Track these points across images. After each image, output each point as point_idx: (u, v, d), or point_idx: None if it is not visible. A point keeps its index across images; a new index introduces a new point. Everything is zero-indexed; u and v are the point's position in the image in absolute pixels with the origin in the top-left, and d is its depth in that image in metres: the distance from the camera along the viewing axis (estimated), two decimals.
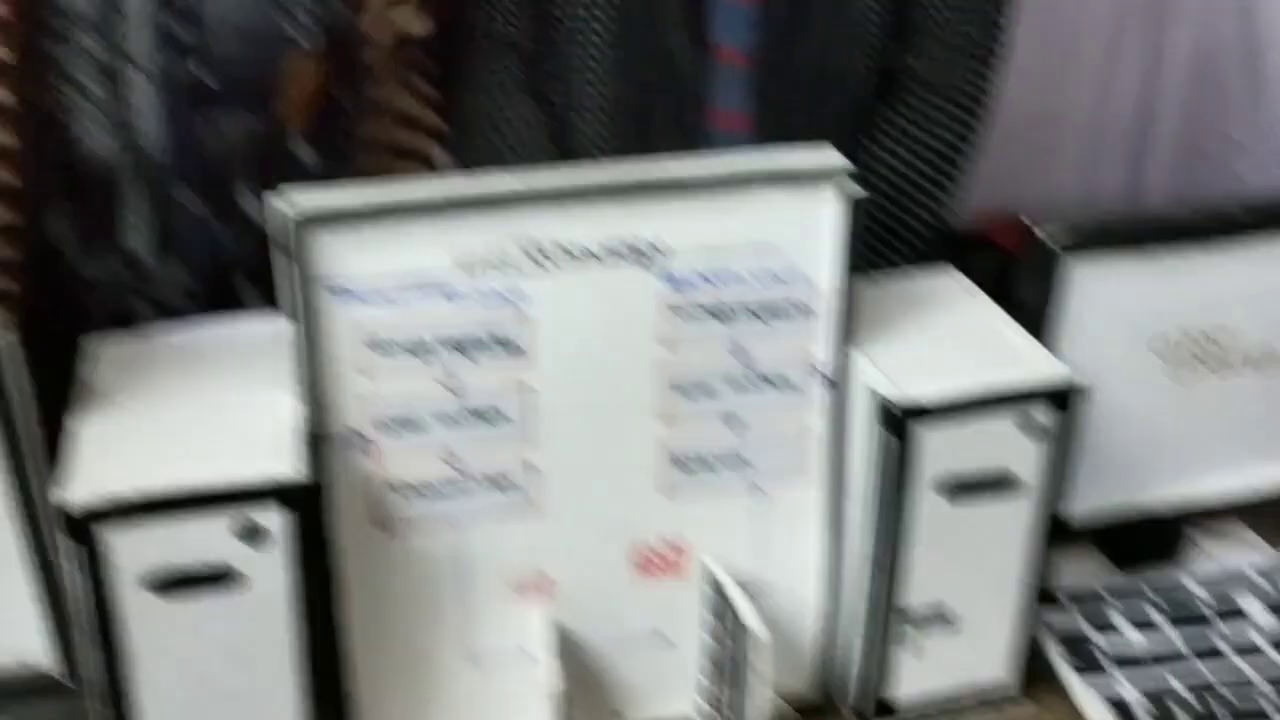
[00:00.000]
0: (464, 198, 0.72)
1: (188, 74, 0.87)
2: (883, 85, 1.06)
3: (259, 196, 0.93)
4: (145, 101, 0.87)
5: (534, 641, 0.82)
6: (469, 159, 1.04)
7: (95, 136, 0.87)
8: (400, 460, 0.77)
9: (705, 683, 0.86)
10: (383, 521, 0.78)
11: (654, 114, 1.03)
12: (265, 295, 0.91)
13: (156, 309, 0.91)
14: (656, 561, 0.84)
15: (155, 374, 0.76)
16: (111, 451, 0.70)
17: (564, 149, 1.05)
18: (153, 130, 0.88)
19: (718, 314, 0.78)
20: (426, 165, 1.02)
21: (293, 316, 0.71)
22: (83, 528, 0.66)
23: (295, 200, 0.69)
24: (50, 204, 0.89)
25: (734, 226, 0.76)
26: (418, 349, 0.74)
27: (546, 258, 0.74)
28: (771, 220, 0.77)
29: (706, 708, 0.86)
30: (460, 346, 0.75)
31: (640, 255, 0.76)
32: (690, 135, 1.03)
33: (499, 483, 0.79)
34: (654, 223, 0.75)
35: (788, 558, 0.85)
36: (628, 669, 0.86)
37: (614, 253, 0.75)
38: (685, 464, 0.82)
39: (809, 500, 0.84)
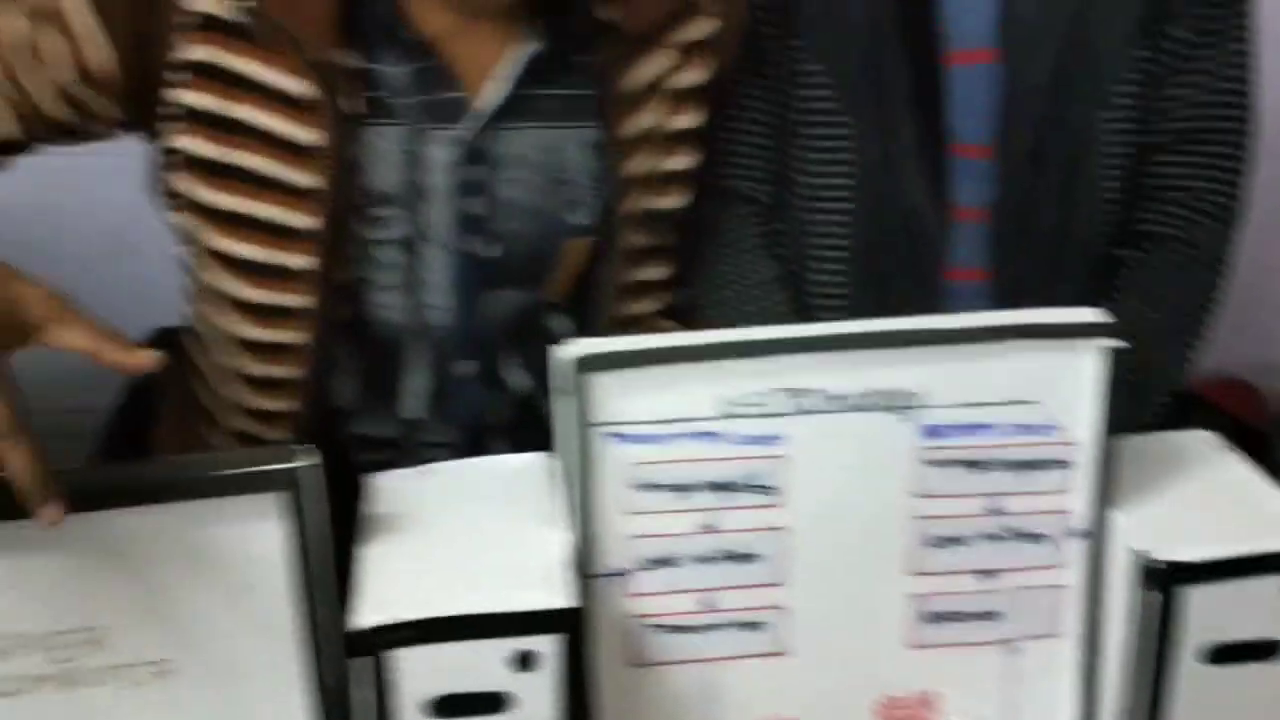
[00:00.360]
0: (730, 344, 0.76)
1: (476, 252, 0.94)
2: (1122, 241, 1.07)
3: (519, 365, 1.00)
4: (436, 275, 0.93)
5: None
6: (709, 316, 1.09)
7: (386, 305, 0.94)
8: (657, 597, 0.79)
9: None
10: (637, 656, 0.80)
11: (892, 271, 1.06)
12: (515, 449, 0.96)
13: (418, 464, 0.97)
14: (901, 714, 0.84)
15: (430, 508, 0.81)
16: (394, 579, 0.74)
17: (801, 306, 1.08)
18: (440, 302, 0.94)
19: (973, 466, 0.79)
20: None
21: (568, 455, 0.75)
22: (372, 649, 0.69)
23: (578, 346, 0.74)
24: (336, 363, 0.96)
25: (992, 380, 0.78)
26: (679, 489, 0.77)
27: (806, 404, 0.77)
28: (1030, 374, 0.78)
29: None
30: (719, 487, 0.78)
31: (898, 405, 0.77)
32: (928, 292, 1.05)
33: (749, 623, 0.80)
34: (913, 374, 0.77)
35: (1039, 716, 0.84)
36: None
37: (872, 402, 0.77)
38: (934, 616, 0.82)
39: (1062, 658, 0.83)
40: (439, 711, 0.72)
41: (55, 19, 0.87)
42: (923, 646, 0.82)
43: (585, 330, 0.99)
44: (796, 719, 0.82)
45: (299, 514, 0.74)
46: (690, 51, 0.97)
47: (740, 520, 0.78)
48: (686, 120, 0.99)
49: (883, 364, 0.76)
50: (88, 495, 0.72)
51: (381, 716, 0.71)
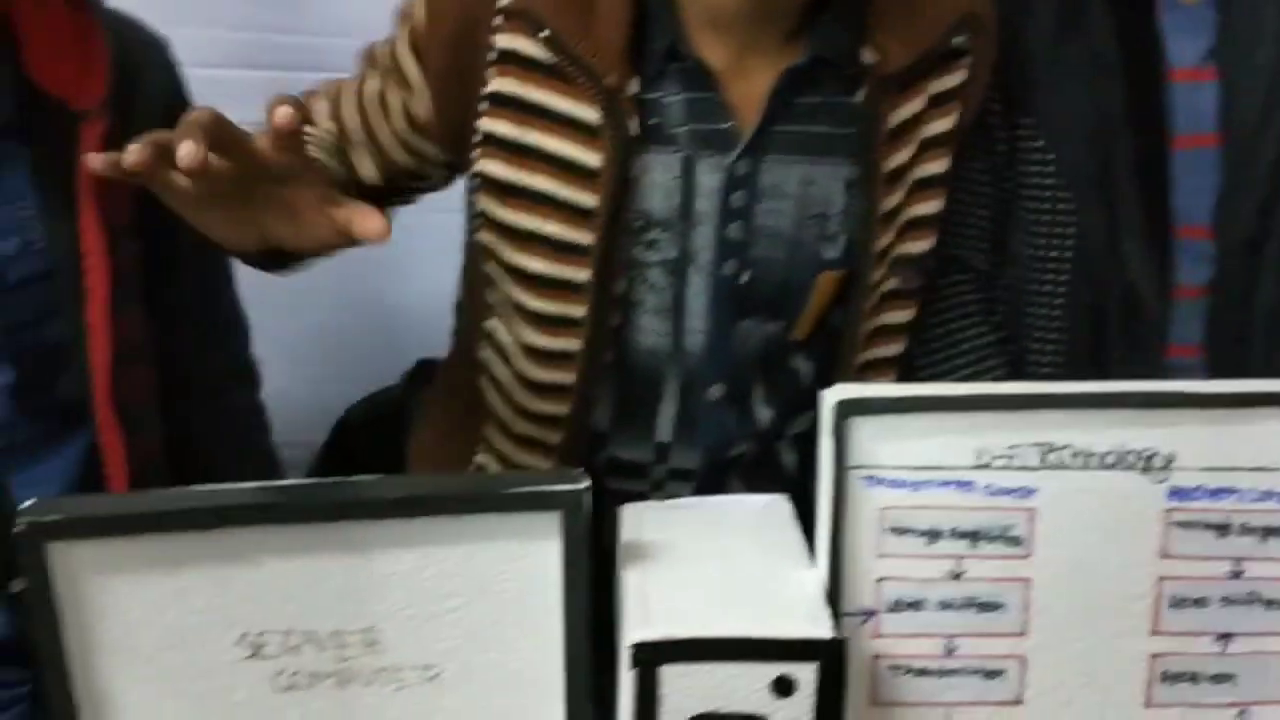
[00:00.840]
0: (988, 397, 0.79)
1: (734, 280, 0.99)
2: None
3: (763, 399, 1.04)
4: (696, 299, 0.99)
5: None
6: (922, 378, 1.12)
7: (648, 329, 1.00)
8: (901, 639, 0.82)
9: None
10: (879, 696, 0.83)
11: (1110, 345, 1.08)
12: (749, 488, 1.01)
13: (661, 493, 1.02)
14: None
15: (684, 538, 0.85)
16: (659, 601, 0.78)
17: (1016, 375, 1.11)
18: (697, 326, 1.00)
19: (1218, 530, 0.81)
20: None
21: (824, 495, 0.79)
22: (647, 665, 0.74)
23: (841, 390, 0.78)
24: (600, 390, 1.02)
25: (1240, 446, 0.80)
26: (930, 535, 0.81)
27: (1058, 460, 0.80)
28: (1276, 443, 0.80)
29: None
30: (967, 536, 0.81)
31: (1148, 466, 0.80)
32: (1147, 368, 1.07)
33: (990, 670, 0.83)
34: (1164, 436, 0.79)
35: None
36: None
37: (1122, 461, 0.80)
38: (1171, 677, 0.83)
39: None
40: None
41: (396, 74, 0.97)
42: (1158, 706, 0.84)
43: (826, 372, 1.04)
44: None
45: (575, 534, 0.79)
46: (941, 100, 1.02)
47: (986, 569, 0.81)
48: (935, 166, 1.03)
49: (1135, 424, 0.79)
50: (380, 504, 0.78)
51: None
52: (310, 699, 0.81)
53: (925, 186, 1.03)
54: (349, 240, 0.81)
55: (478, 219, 1.01)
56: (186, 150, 0.71)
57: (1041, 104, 1.08)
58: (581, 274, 0.97)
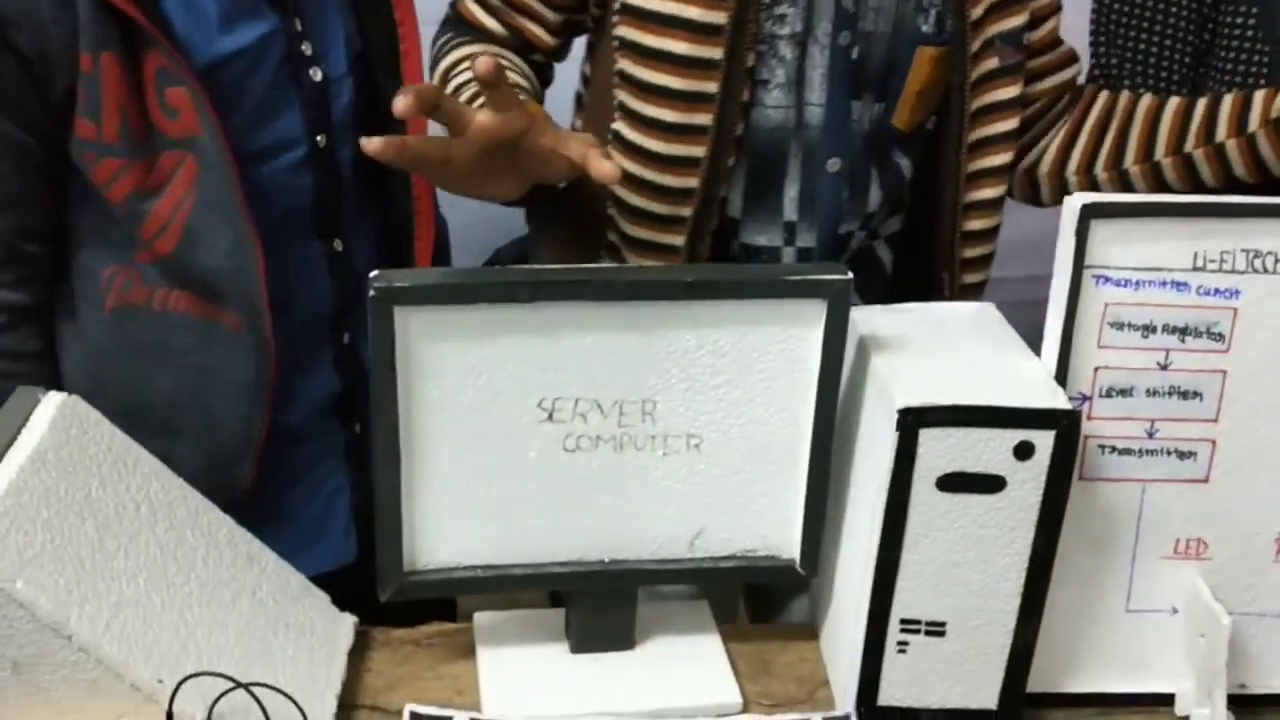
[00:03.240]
0: (1209, 205, 0.89)
1: (847, 53, 1.10)
2: None
3: (876, 183, 1.17)
4: (816, 74, 1.10)
5: (1185, 600, 0.96)
6: None
7: (775, 105, 1.11)
8: (1110, 423, 0.93)
9: None
10: (1085, 472, 0.94)
11: None
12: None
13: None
14: None
15: (913, 334, 0.95)
16: (910, 381, 0.89)
17: None
18: (817, 100, 1.11)
19: None
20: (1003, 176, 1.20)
21: (1062, 291, 0.90)
22: (909, 428, 0.85)
23: (1084, 196, 0.88)
24: (729, 176, 1.13)
25: None
26: (1145, 330, 0.91)
27: (1262, 265, 0.90)
28: None
29: None
30: (1178, 331, 0.91)
31: None
32: None
33: (1182, 452, 0.94)
34: None
35: None
36: (1256, 643, 0.98)
37: None
38: None
39: None
40: (947, 486, 0.87)
41: None
42: None
43: (928, 177, 1.16)
44: (1204, 539, 0.96)
45: (837, 320, 0.90)
46: None
47: (1190, 361, 0.92)
48: None
49: None
50: (667, 286, 0.89)
51: (900, 484, 0.87)
52: (592, 459, 0.94)
53: None
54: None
55: (616, 14, 1.12)
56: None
57: None
58: (716, 52, 1.08)
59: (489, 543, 0.96)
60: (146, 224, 1.02)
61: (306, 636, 0.95)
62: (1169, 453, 0.94)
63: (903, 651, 0.92)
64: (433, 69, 1.20)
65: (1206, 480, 0.95)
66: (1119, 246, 0.89)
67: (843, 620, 0.97)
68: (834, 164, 1.14)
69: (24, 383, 0.88)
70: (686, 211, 1.14)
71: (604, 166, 0.96)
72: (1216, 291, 0.91)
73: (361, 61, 1.12)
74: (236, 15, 1.03)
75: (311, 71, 1.08)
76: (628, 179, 1.13)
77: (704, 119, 1.11)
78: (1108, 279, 0.90)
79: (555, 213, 1.21)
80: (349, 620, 1.01)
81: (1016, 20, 1.15)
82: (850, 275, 0.89)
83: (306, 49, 1.07)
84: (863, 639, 0.92)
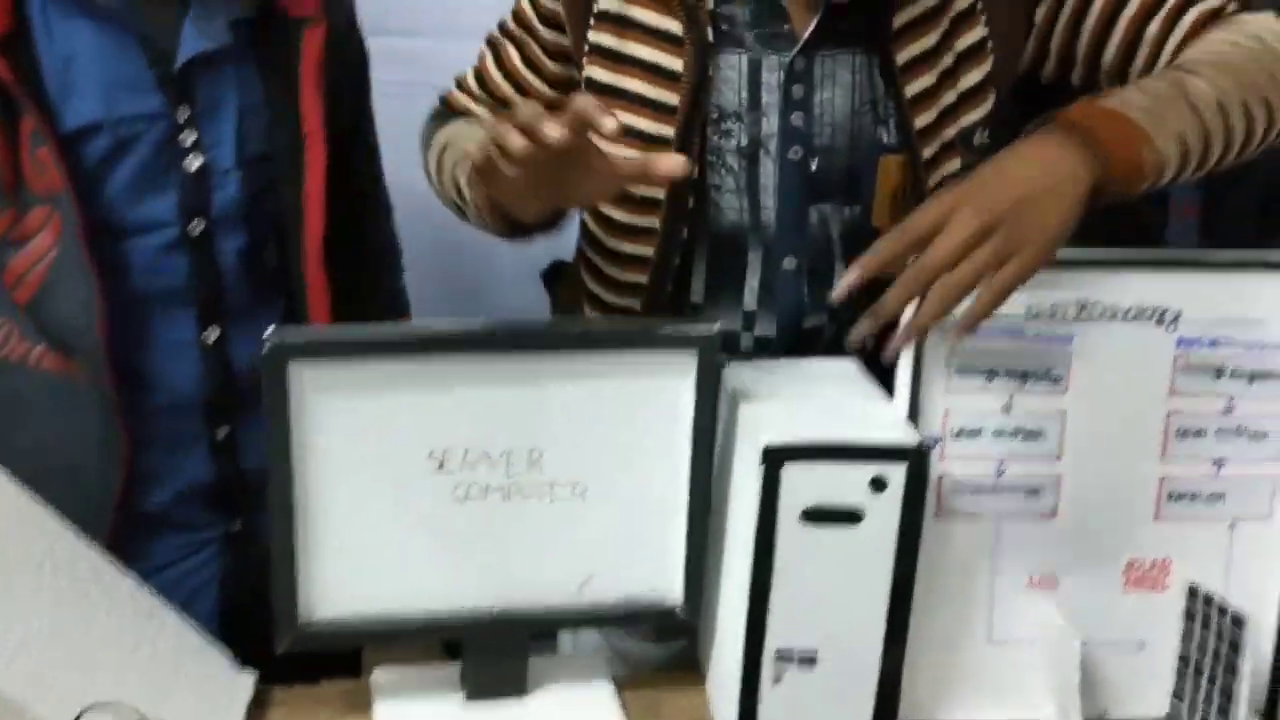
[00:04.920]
0: None
1: (802, 165, 1.16)
2: None
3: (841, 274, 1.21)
4: (769, 180, 1.16)
5: (1041, 630, 1.03)
6: None
7: (730, 207, 1.17)
8: (962, 462, 1.01)
9: (1181, 685, 1.04)
10: (942, 509, 1.02)
11: None
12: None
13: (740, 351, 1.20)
14: (1142, 575, 1.04)
15: (782, 384, 1.03)
16: (775, 422, 0.96)
17: None
18: (771, 204, 1.17)
19: (1216, 373, 1.01)
20: None
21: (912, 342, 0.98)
22: (773, 464, 0.92)
23: None
24: (690, 262, 1.19)
25: (1237, 302, 1.00)
26: (988, 374, 1.00)
27: (1090, 314, 0.99)
28: (1267, 300, 1.00)
29: (1181, 708, 1.04)
30: (1018, 376, 1.00)
31: (1162, 319, 1.00)
32: None
33: (1029, 489, 1.02)
34: (1176, 294, 0.99)
35: (1252, 586, 1.04)
36: (1113, 671, 1.05)
37: (1142, 314, 0.99)
38: (1177, 496, 1.03)
39: (1273, 537, 1.04)
40: (811, 519, 0.94)
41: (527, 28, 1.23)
42: (1164, 520, 1.03)
43: None
44: (1056, 571, 1.04)
45: (708, 370, 0.97)
46: None
47: (1031, 404, 1.00)
48: (971, 37, 1.15)
49: (1151, 283, 0.99)
50: (551, 339, 0.96)
51: (767, 518, 0.93)
52: (481, 508, 0.99)
53: (967, 58, 1.15)
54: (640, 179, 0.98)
55: None
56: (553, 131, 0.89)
57: None
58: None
59: (384, 593, 1.00)
60: (7, 272, 1.08)
61: (206, 690, 0.99)
62: (1018, 489, 1.02)
63: (778, 683, 0.97)
64: (426, 148, 1.24)
65: (1054, 515, 1.03)
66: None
67: (724, 657, 1.02)
68: (790, 263, 1.19)
69: None
70: (638, 306, 1.20)
71: (669, 162, 0.96)
72: (1052, 338, 0.99)
73: (266, 163, 1.18)
74: (119, 90, 1.09)
75: (189, 159, 1.13)
76: (594, 248, 1.22)
77: (650, 221, 1.17)
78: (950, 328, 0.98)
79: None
80: (249, 677, 1.04)
81: (975, 115, 1.17)
82: (718, 327, 0.97)
83: (187, 138, 1.13)
84: (740, 673, 0.97)
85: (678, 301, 1.21)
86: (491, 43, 1.26)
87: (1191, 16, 1.11)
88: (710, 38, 1.13)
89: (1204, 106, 0.99)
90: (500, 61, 1.25)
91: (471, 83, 1.27)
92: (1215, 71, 1.02)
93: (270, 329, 0.91)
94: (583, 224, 1.25)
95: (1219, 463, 1.03)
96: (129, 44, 1.10)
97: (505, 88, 1.24)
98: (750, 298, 1.19)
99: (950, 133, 1.16)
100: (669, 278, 1.19)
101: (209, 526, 1.22)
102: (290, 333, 0.92)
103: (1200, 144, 0.98)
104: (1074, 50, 1.15)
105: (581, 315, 1.24)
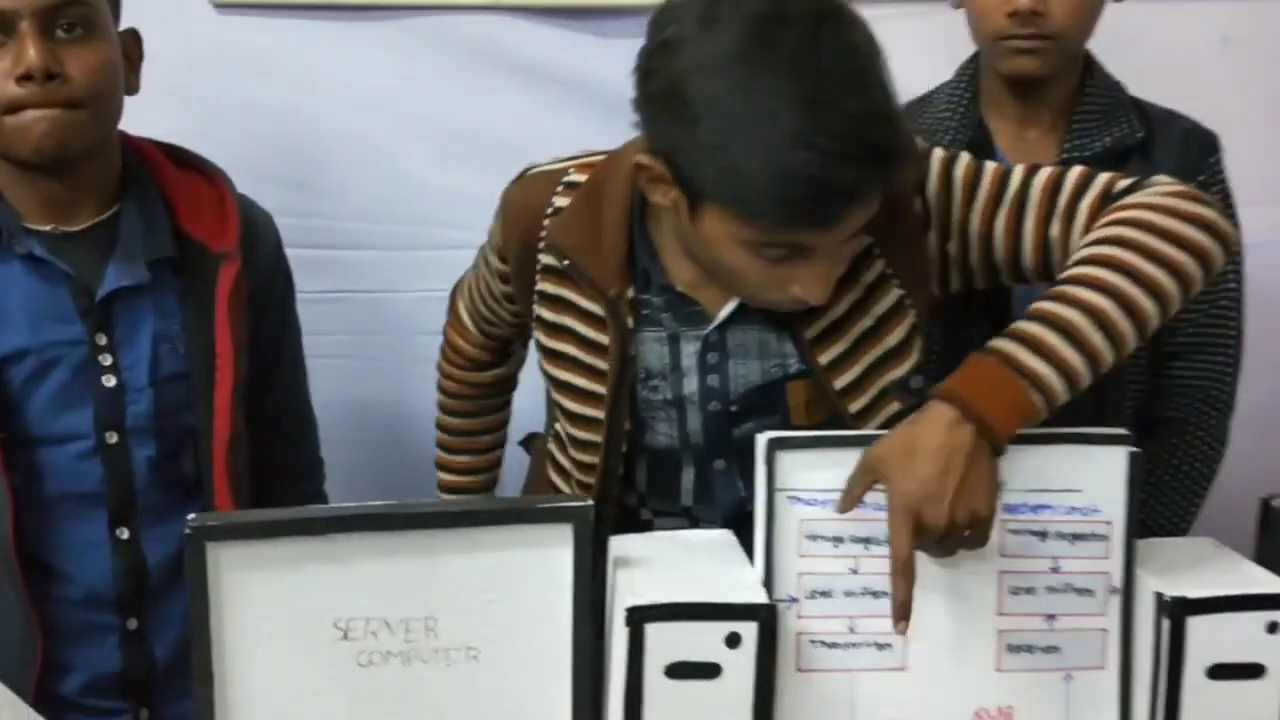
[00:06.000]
0: (868, 437, 1.12)
1: (722, 411, 1.29)
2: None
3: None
4: (694, 422, 1.29)
5: None
6: None
7: (663, 434, 1.31)
8: (816, 620, 1.12)
9: None
10: (801, 664, 1.12)
11: None
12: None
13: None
14: None
15: (657, 553, 1.15)
16: (642, 584, 1.08)
17: None
18: (698, 433, 1.30)
19: (1041, 536, 1.13)
20: None
21: (762, 511, 1.10)
22: (636, 623, 1.03)
23: (771, 434, 1.11)
24: (633, 468, 1.34)
25: (1053, 476, 1.13)
26: (835, 540, 1.12)
27: None
28: (1080, 471, 1.13)
29: None
30: (862, 540, 1.12)
31: None
32: None
33: (879, 644, 1.13)
34: (999, 467, 1.12)
35: None
36: None
37: None
38: (1015, 649, 1.14)
39: (1107, 685, 1.14)
40: (674, 674, 1.05)
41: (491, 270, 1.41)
42: (1005, 670, 1.14)
43: None
44: None
45: (582, 540, 1.09)
46: (867, 254, 1.24)
47: (876, 565, 1.12)
48: (888, 300, 1.25)
49: None
50: (438, 517, 1.08)
51: (634, 674, 1.04)
52: (383, 673, 1.09)
53: (888, 319, 1.25)
54: None
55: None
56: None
57: None
58: (598, 412, 1.30)
59: None
60: None
61: None
62: (869, 645, 1.13)
63: None
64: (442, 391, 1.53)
65: (904, 668, 1.14)
66: (806, 473, 1.11)
67: None
68: (720, 464, 1.32)
69: None
70: (591, 497, 1.30)
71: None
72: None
73: (180, 380, 1.32)
74: (43, 319, 1.26)
75: (105, 378, 1.28)
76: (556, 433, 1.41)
77: (595, 437, 1.31)
78: (799, 499, 1.11)
79: None
80: None
81: (905, 367, 1.25)
82: (590, 504, 1.09)
83: (105, 359, 1.28)
84: None
85: (627, 484, 1.35)
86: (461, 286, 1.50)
87: (1084, 213, 1.19)
88: (631, 324, 1.28)
89: (1085, 329, 1.09)
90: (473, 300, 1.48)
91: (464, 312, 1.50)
92: (1095, 280, 1.11)
93: (192, 516, 1.03)
94: (548, 406, 1.42)
95: (1048, 617, 1.14)
96: (57, 280, 1.27)
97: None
98: (687, 496, 1.32)
99: (880, 384, 1.25)
100: (612, 477, 1.33)
101: (119, 713, 1.33)
102: (209, 517, 1.04)
103: (1086, 364, 1.09)
104: (993, 264, 1.25)
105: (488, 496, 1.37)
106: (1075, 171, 1.23)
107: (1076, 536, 1.14)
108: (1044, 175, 1.23)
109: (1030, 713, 1.14)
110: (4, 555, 1.23)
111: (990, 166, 1.25)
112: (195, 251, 1.31)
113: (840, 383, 1.25)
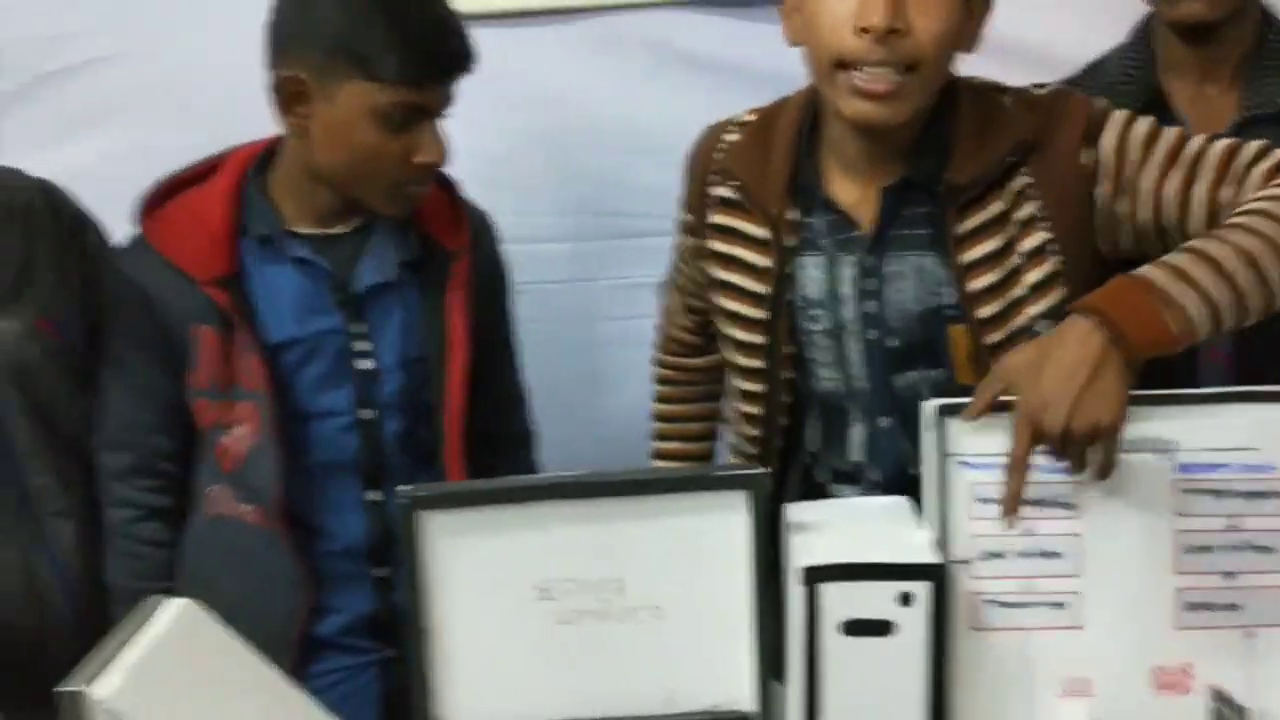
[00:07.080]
0: None
1: (881, 343, 1.34)
2: None
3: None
4: (854, 356, 1.36)
5: None
6: None
7: (827, 377, 1.38)
8: (990, 581, 1.16)
9: None
10: (975, 622, 1.16)
11: None
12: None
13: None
14: (1167, 679, 1.16)
15: (836, 517, 1.21)
16: (819, 546, 1.14)
17: None
18: (860, 375, 1.36)
19: (1218, 494, 1.14)
20: None
21: (933, 475, 1.15)
22: (812, 583, 1.09)
23: (938, 400, 1.15)
24: (804, 420, 1.41)
25: (1228, 435, 1.13)
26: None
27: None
28: (1255, 429, 1.13)
29: None
30: (1035, 502, 1.15)
31: (1162, 450, 1.14)
32: None
33: (1055, 603, 1.16)
34: (1172, 427, 1.13)
35: (1271, 687, 1.14)
36: None
37: (1142, 447, 1.14)
38: (1193, 606, 1.15)
39: None
40: (849, 631, 1.10)
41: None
42: (1185, 629, 1.15)
43: None
44: (1088, 678, 1.16)
45: (758, 506, 1.15)
46: (1022, 193, 1.30)
47: (1049, 527, 1.15)
48: (1032, 241, 1.29)
49: (1150, 419, 1.13)
50: (628, 485, 1.17)
51: (811, 631, 1.10)
52: (579, 630, 1.19)
53: (1031, 258, 1.29)
54: None
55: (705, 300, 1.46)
56: None
57: None
58: (758, 338, 1.38)
59: (502, 703, 1.20)
60: (218, 449, 1.41)
61: None
62: (1044, 604, 1.16)
63: None
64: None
65: (1080, 626, 1.16)
66: (974, 438, 1.14)
67: None
68: (885, 422, 1.37)
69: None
70: (755, 450, 1.41)
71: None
72: (1061, 469, 1.14)
73: (421, 363, 1.47)
74: (307, 311, 1.43)
75: (360, 361, 1.44)
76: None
77: (757, 387, 1.40)
78: (968, 464, 1.15)
79: None
80: None
81: (1042, 305, 1.29)
82: (767, 470, 1.16)
83: (360, 345, 1.44)
84: None
85: (791, 451, 1.41)
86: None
87: (1258, 177, 1.22)
88: (791, 244, 1.35)
89: (1233, 265, 1.12)
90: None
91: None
92: (1252, 227, 1.14)
93: (403, 488, 1.15)
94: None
95: (1227, 575, 1.15)
96: (319, 278, 1.44)
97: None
98: (856, 451, 1.38)
99: (1020, 321, 1.29)
100: (776, 433, 1.40)
101: (370, 651, 1.48)
102: (423, 488, 1.15)
103: (1231, 301, 1.12)
104: (1164, 225, 1.26)
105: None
106: (1256, 142, 1.25)
107: (1253, 494, 1.14)
108: (1224, 141, 1.26)
109: (1210, 670, 1.15)
110: (276, 514, 1.41)
111: (1170, 130, 1.28)
112: (432, 249, 1.47)
113: (984, 313, 1.30)
